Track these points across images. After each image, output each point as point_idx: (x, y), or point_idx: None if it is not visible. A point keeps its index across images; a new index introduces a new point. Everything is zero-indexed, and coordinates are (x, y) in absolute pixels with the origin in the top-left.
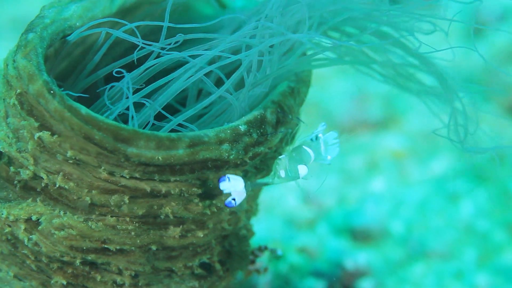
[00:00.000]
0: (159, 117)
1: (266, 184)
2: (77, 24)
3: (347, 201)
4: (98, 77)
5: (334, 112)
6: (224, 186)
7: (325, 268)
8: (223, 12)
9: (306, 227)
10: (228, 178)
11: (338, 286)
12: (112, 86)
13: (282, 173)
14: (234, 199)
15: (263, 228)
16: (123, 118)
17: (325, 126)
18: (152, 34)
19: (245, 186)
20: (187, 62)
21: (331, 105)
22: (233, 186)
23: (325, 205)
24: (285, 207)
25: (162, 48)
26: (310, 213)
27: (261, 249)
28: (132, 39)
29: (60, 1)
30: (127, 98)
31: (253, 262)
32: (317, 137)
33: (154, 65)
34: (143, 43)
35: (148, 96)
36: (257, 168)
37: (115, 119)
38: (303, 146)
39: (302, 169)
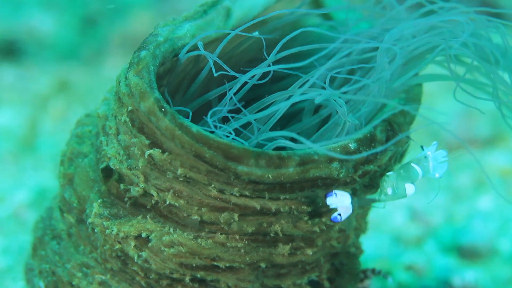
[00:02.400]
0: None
1: (373, 201)
2: (191, 43)
3: (455, 219)
4: (206, 100)
5: (441, 131)
6: (331, 201)
7: (433, 286)
8: (328, 24)
9: (413, 245)
10: (335, 193)
11: None
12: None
13: (389, 191)
14: (340, 215)
15: (371, 245)
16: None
17: (437, 144)
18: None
19: (351, 202)
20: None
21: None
22: (340, 201)
23: (432, 223)
24: (392, 225)
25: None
26: (417, 231)
27: (375, 272)
28: (227, 68)
29: (175, 19)
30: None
31: (362, 280)
32: (426, 155)
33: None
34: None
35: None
36: (366, 187)
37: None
38: (411, 164)
39: (410, 188)
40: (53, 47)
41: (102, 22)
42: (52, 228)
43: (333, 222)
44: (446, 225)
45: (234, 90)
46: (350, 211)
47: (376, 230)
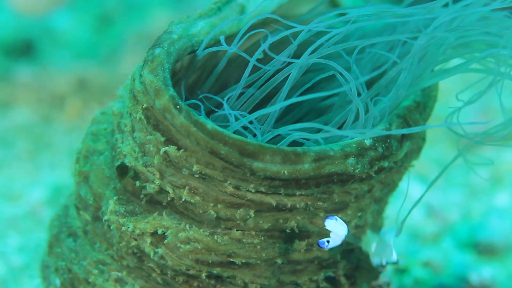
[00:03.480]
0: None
1: (358, 245)
2: (209, 36)
3: (472, 216)
4: (226, 94)
5: (457, 128)
6: (329, 224)
7: (450, 282)
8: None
9: (430, 241)
10: (336, 219)
11: None
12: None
13: (373, 247)
14: (328, 242)
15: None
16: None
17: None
18: (280, 45)
19: (346, 235)
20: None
21: (455, 119)
22: (336, 229)
23: (449, 219)
24: (409, 221)
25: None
26: (434, 227)
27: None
28: (248, 58)
29: (189, 17)
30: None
31: (376, 278)
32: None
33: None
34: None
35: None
36: (383, 183)
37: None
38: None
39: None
40: (69, 46)
41: (119, 20)
42: (68, 226)
43: (319, 246)
44: (463, 222)
45: (246, 76)
46: (339, 243)
47: (393, 226)
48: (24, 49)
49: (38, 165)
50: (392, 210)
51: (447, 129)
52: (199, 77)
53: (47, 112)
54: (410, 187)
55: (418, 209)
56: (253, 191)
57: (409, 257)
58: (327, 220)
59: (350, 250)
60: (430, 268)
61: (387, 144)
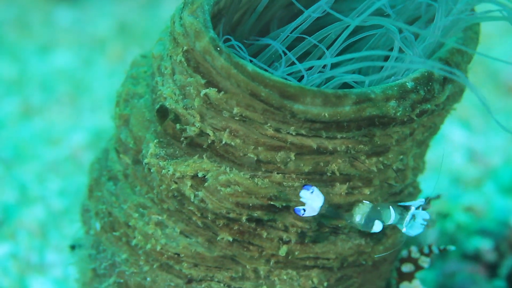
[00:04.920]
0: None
1: (340, 218)
2: None
3: None
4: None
5: (499, 71)
6: (304, 195)
7: (492, 227)
8: None
9: (472, 186)
10: (313, 190)
11: (505, 245)
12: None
13: (358, 218)
14: (304, 210)
15: (429, 186)
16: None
17: (424, 202)
18: None
19: (321, 206)
20: None
21: (497, 64)
22: (311, 200)
23: (491, 164)
24: (451, 166)
25: None
26: (476, 172)
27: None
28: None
29: None
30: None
31: None
32: (410, 207)
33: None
34: None
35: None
36: (424, 126)
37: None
38: (390, 206)
39: (377, 226)
40: None
41: None
42: (109, 169)
43: (295, 212)
44: (505, 166)
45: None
46: (315, 213)
47: (435, 171)
48: None
49: (78, 109)
50: (434, 154)
51: (489, 73)
52: (242, 17)
53: (88, 55)
54: (451, 131)
55: (460, 153)
56: (293, 133)
57: (451, 202)
58: (302, 190)
59: (391, 194)
60: (472, 213)
61: (429, 87)
